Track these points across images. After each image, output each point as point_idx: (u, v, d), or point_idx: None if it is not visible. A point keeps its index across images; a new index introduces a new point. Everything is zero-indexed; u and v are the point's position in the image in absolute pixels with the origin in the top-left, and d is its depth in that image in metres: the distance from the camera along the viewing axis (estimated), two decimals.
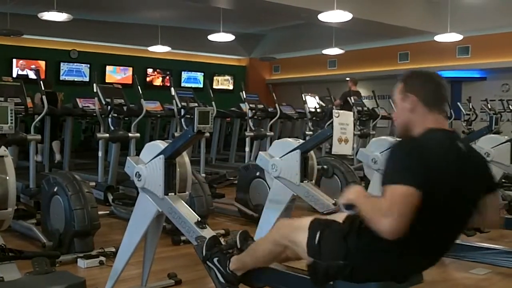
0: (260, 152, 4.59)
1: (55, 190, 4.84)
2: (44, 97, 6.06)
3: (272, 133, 8.42)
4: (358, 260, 2.29)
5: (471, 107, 10.21)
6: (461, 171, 2.25)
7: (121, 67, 14.73)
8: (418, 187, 2.08)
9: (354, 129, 5.18)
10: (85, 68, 14.10)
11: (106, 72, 14.42)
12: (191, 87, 13.43)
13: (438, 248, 2.39)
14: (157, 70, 15.45)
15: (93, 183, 6.18)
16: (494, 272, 4.41)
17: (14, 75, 12.65)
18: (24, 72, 13.07)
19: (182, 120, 7.04)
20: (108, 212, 6.32)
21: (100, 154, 6.52)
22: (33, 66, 13.15)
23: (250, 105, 8.08)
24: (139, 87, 6.93)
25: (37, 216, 5.61)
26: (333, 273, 2.33)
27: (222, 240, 3.17)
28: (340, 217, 2.49)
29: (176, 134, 6.95)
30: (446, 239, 2.38)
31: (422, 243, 2.26)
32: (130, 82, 13.57)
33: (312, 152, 4.48)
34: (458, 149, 2.30)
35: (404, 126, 2.40)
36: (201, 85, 15.67)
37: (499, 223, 2.60)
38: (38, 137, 5.97)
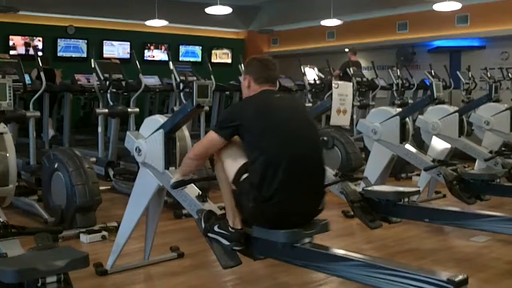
0: None
1: (55, 166, 4.85)
2: (42, 73, 6.02)
3: None
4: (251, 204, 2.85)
5: (470, 76, 10.16)
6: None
7: (119, 42, 14.62)
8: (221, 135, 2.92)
9: (353, 100, 5.18)
10: (82, 44, 14.00)
11: (104, 47, 14.33)
12: (189, 61, 13.38)
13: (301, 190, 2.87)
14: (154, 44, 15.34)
15: (94, 159, 6.19)
16: (494, 240, 4.45)
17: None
18: (22, 51, 12.98)
19: (181, 94, 7.01)
20: (109, 187, 6.35)
21: (99, 129, 6.51)
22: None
23: None
24: (137, 61, 6.90)
25: (38, 193, 5.63)
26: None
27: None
28: None
29: (176, 109, 6.93)
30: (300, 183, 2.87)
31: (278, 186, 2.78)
32: (128, 57, 13.48)
33: None
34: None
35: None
36: (199, 59, 15.58)
37: None
38: (38, 113, 5.96)
